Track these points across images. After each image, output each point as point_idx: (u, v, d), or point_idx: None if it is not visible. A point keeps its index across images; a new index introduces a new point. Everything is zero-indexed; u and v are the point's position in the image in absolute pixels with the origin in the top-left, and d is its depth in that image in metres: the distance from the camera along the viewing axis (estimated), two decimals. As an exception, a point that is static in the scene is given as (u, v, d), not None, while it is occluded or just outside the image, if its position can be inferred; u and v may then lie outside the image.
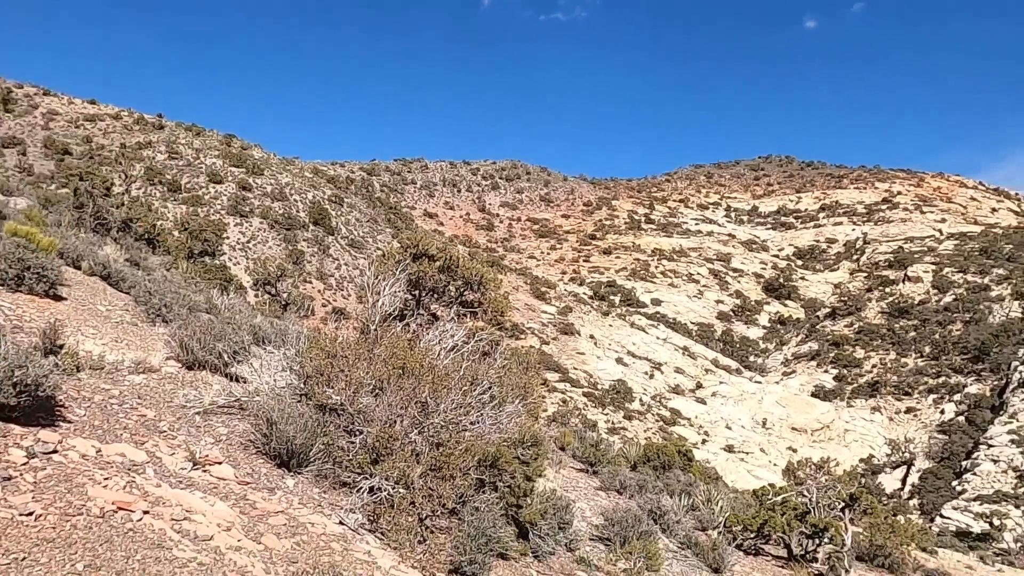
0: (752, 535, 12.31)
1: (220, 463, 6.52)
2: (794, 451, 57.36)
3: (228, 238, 54.41)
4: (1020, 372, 59.91)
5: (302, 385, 8.03)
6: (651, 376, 68.06)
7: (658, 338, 78.53)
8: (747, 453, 57.98)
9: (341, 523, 6.47)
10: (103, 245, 17.13)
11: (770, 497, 12.98)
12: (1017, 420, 53.87)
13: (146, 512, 5.11)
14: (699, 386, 69.57)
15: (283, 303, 25.22)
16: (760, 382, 75.49)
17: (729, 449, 57.60)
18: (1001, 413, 57.08)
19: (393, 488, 6.87)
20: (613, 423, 53.84)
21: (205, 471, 6.28)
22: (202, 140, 77.44)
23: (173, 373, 8.58)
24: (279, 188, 69.04)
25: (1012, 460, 48.62)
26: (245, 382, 8.56)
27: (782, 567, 11.89)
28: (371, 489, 6.88)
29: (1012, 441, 50.87)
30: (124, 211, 22.97)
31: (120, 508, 5.01)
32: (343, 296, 57.81)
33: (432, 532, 6.98)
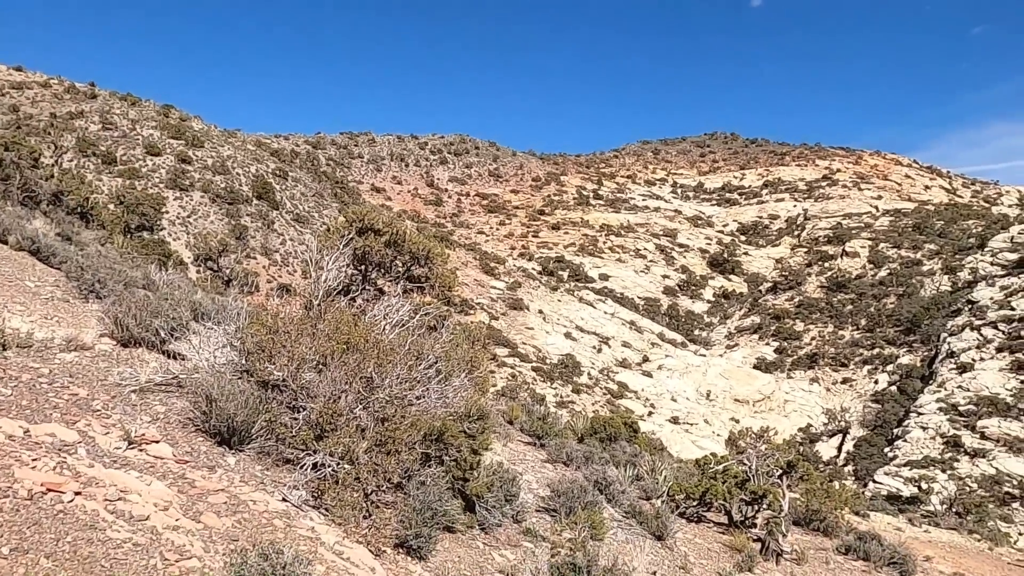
0: (694, 503, 12.64)
1: (157, 442, 6.36)
2: (736, 422, 59.00)
3: (167, 212, 52.72)
4: (948, 343, 62.60)
5: (243, 362, 7.86)
6: (599, 350, 68.94)
7: (606, 313, 79.48)
8: (691, 424, 59.40)
9: (284, 500, 6.39)
10: (32, 219, 16.43)
11: (712, 466, 13.32)
12: (945, 389, 56.39)
13: (78, 493, 4.95)
14: (645, 359, 70.80)
15: (226, 279, 24.64)
16: (704, 355, 77.22)
17: (674, 421, 58.90)
18: (930, 382, 59.68)
19: (338, 464, 6.80)
20: (561, 397, 54.46)
21: (141, 450, 6.11)
22: (138, 110, 74.61)
23: (107, 351, 8.30)
24: (221, 161, 67.10)
25: (940, 427, 50.93)
26: (184, 359, 8.34)
27: (723, 533, 12.25)
28: (315, 465, 6.80)
29: (940, 409, 53.25)
30: (54, 183, 22.02)
31: (50, 490, 4.84)
32: (288, 272, 56.77)
33: (378, 507, 6.95)
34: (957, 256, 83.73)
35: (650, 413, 58.60)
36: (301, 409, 7.31)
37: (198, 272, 28.30)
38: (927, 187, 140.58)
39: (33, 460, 5.13)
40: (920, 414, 54.18)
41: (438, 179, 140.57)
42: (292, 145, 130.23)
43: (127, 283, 11.73)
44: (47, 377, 6.89)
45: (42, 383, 6.71)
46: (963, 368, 57.78)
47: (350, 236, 11.86)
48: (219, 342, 8.43)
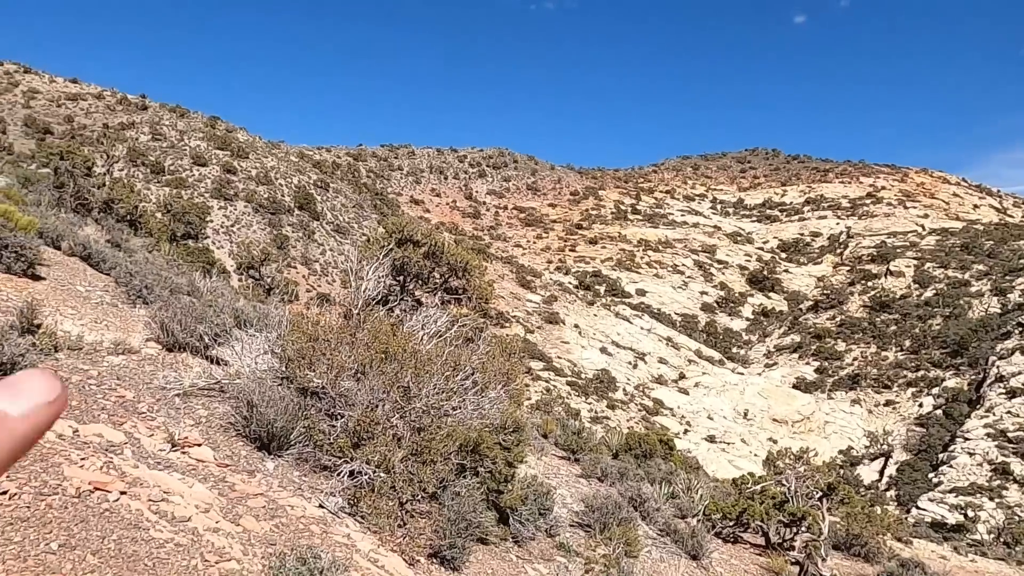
0: (731, 523, 12.43)
1: (199, 445, 6.48)
2: (775, 442, 57.90)
3: (212, 221, 53.89)
4: (997, 367, 60.72)
5: (283, 368, 7.98)
6: (635, 366, 68.36)
7: (642, 328, 78.85)
8: (728, 443, 58.48)
9: (321, 506, 6.46)
10: (84, 225, 16.94)
11: (749, 486, 13.10)
12: (993, 414, 54.65)
13: (123, 493, 5.07)
14: (682, 376, 69.98)
15: (267, 287, 25.08)
16: (742, 373, 76.06)
17: (711, 439, 58.05)
18: (978, 407, 57.88)
19: (374, 472, 6.86)
20: (596, 412, 54.08)
21: (184, 453, 6.24)
22: (186, 122, 76.55)
23: (153, 355, 8.50)
24: (264, 172, 68.44)
25: (987, 453, 49.34)
26: (226, 365, 8.50)
27: (760, 555, 12.02)
28: (351, 473, 6.86)
29: (988, 435, 51.61)
30: (106, 192, 22.69)
31: (97, 488, 4.96)
32: (328, 282, 57.51)
33: (412, 516, 6.98)
34: (1007, 277, 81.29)
35: (686, 431, 57.84)
36: (339, 417, 7.39)
37: (240, 280, 28.83)
38: (976, 206, 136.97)
39: (81, 459, 5.27)
40: (967, 439, 52.57)
41: (476, 192, 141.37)
42: (334, 157, 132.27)
43: (173, 289, 12.01)
44: (96, 379, 7.08)
45: (91, 384, 6.90)
46: (1013, 393, 55.96)
47: (390, 247, 11.99)
48: (260, 349, 8.58)
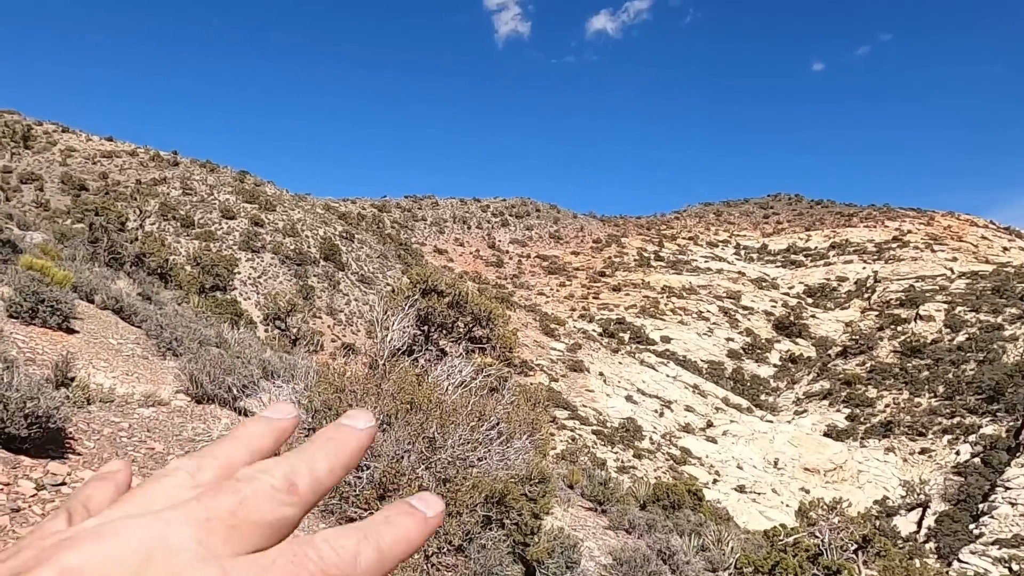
0: (763, 577, 12.11)
1: (227, 497, 6.52)
2: (807, 492, 56.48)
3: (240, 273, 54.81)
4: (1036, 413, 59.05)
5: (310, 419, 8.03)
6: (661, 414, 67.49)
7: (668, 376, 78.07)
8: (759, 493, 57.13)
9: (347, 559, 6.43)
10: (116, 279, 17.33)
11: (782, 538, 12.79)
12: (1034, 462, 52.96)
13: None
14: (710, 425, 68.88)
15: (293, 338, 25.33)
16: (772, 421, 74.71)
17: (740, 489, 56.78)
18: (1018, 455, 56.13)
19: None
20: (622, 461, 53.26)
21: (212, 505, 6.28)
22: (216, 176, 78.55)
23: (182, 407, 8.61)
24: (291, 224, 69.71)
25: (1030, 503, 47.67)
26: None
27: (794, 610, 11.67)
28: (377, 525, 6.84)
29: (1030, 483, 49.93)
30: (138, 246, 23.25)
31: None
32: (352, 332, 57.90)
33: (439, 570, 6.91)
34: (1042, 320, 79.68)
35: (715, 480, 56.68)
36: (365, 468, 7.40)
37: (267, 331, 29.16)
38: (1005, 248, 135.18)
39: (112, 512, 5.33)
40: (1008, 488, 50.88)
41: (499, 241, 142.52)
42: (359, 208, 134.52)
43: (202, 341, 12.20)
44: (127, 431, 7.18)
45: (122, 436, 7.00)
46: (1053, 440, 54.28)
47: (414, 297, 12.13)
48: (288, 400, 8.66)
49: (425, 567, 6.78)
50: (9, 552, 0.37)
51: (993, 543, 44.56)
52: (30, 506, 5.00)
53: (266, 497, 0.42)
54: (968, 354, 79.18)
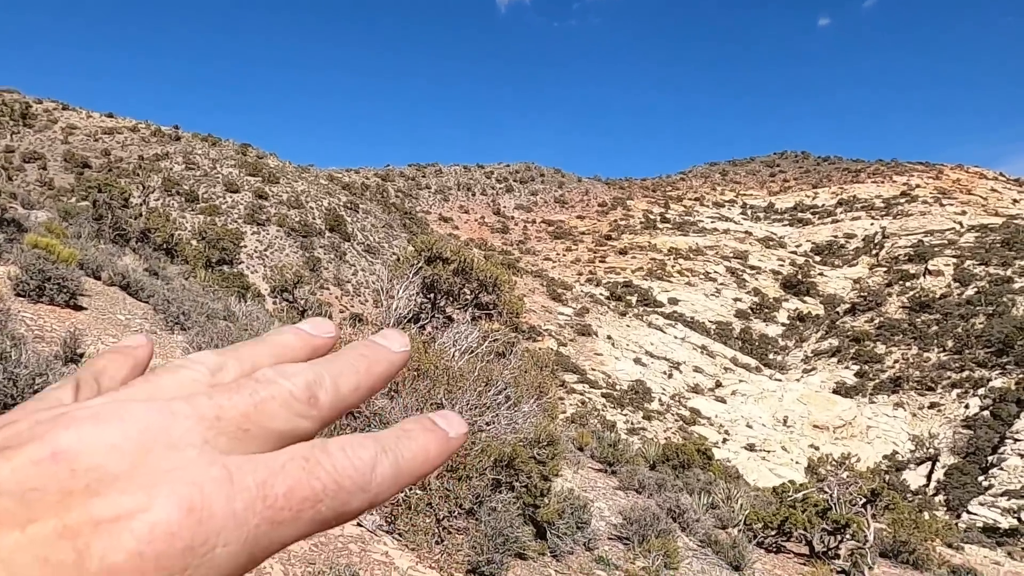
0: (773, 532, 12.24)
1: (239, 467, 6.60)
2: (816, 449, 56.87)
3: (245, 246, 54.88)
4: (1046, 365, 59.00)
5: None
6: (670, 376, 67.78)
7: (676, 337, 78.21)
8: (768, 451, 57.57)
9: (359, 524, 6.51)
10: (122, 255, 17.37)
11: (791, 494, 12.90)
12: (1044, 413, 53.08)
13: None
14: (718, 385, 69.18)
15: (300, 310, 25.41)
16: (780, 380, 74.96)
17: (750, 448, 57.21)
18: (1027, 407, 56.26)
19: (410, 490, 6.90)
20: (632, 423, 53.65)
21: (224, 475, 6.35)
22: (218, 150, 78.23)
23: (192, 379, 8.68)
24: (295, 196, 69.55)
25: (1039, 454, 47.90)
26: (262, 387, 8.64)
27: (804, 564, 11.81)
28: (388, 491, 6.91)
29: (1039, 435, 50.12)
30: (142, 222, 23.27)
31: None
32: (360, 302, 58.10)
33: (450, 532, 7.01)
34: (1052, 272, 79.19)
35: (724, 440, 57.09)
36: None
37: (274, 303, 29.25)
38: (1015, 200, 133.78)
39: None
40: (1017, 440, 51.09)
41: (504, 207, 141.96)
42: (362, 178, 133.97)
43: (209, 315, 12.25)
44: (137, 405, 7.24)
45: (133, 411, 7.06)
46: (1063, 391, 54.30)
47: (420, 265, 12.11)
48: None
49: (436, 530, 6.87)
50: (5, 419, 0.35)
51: (1003, 494, 44.91)
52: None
53: (283, 405, 0.39)
54: (977, 308, 78.92)
